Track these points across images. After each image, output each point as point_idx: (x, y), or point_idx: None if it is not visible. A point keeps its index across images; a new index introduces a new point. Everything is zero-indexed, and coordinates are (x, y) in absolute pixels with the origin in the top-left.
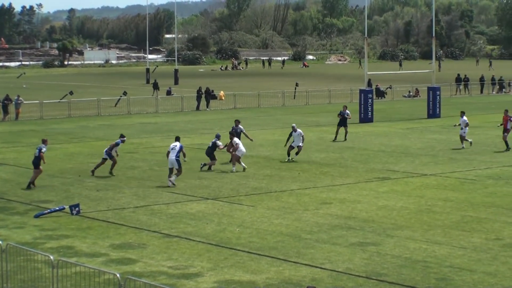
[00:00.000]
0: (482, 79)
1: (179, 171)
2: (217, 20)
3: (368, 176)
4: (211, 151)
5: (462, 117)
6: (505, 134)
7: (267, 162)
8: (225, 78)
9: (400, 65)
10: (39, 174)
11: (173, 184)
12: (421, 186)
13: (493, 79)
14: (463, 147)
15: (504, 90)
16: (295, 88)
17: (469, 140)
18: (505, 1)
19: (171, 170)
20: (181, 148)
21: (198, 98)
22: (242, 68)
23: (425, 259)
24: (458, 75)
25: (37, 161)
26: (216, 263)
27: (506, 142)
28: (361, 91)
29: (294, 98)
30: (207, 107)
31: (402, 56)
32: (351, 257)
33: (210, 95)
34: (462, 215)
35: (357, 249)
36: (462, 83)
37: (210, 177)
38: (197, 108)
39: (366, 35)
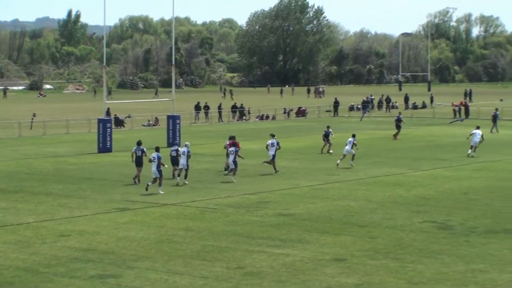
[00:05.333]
0: (220, 107)
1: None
2: None
3: (108, 207)
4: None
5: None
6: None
7: (1, 195)
8: None
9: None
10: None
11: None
12: (161, 216)
13: (234, 107)
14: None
15: (244, 117)
16: (32, 118)
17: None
18: (245, 29)
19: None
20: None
21: None
22: None
23: None
24: (198, 103)
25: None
26: None
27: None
28: (99, 120)
29: (31, 128)
30: None
31: (142, 85)
32: None
33: None
34: (203, 244)
35: (96, 282)
36: (203, 111)
37: None
38: None
39: (104, 64)
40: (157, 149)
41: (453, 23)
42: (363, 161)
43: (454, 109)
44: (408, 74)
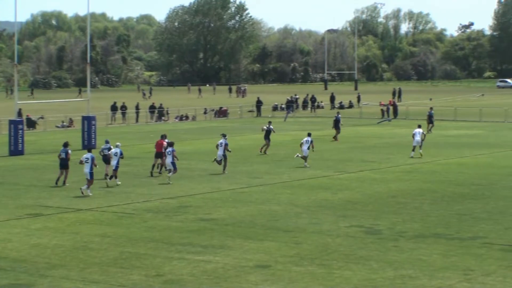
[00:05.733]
0: (137, 108)
1: (226, 162)
2: None
3: (19, 213)
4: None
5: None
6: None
7: None
8: None
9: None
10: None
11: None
12: (76, 221)
13: (152, 107)
14: None
15: (163, 118)
16: None
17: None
18: (164, 25)
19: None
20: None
21: None
22: None
23: None
24: (115, 103)
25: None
26: None
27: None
28: (10, 121)
29: None
30: None
31: (55, 84)
32: None
33: None
34: (120, 251)
35: None
36: (120, 111)
37: None
38: None
39: (16, 62)
40: (89, 150)
41: (381, 19)
42: (287, 163)
43: (382, 109)
44: (334, 72)
